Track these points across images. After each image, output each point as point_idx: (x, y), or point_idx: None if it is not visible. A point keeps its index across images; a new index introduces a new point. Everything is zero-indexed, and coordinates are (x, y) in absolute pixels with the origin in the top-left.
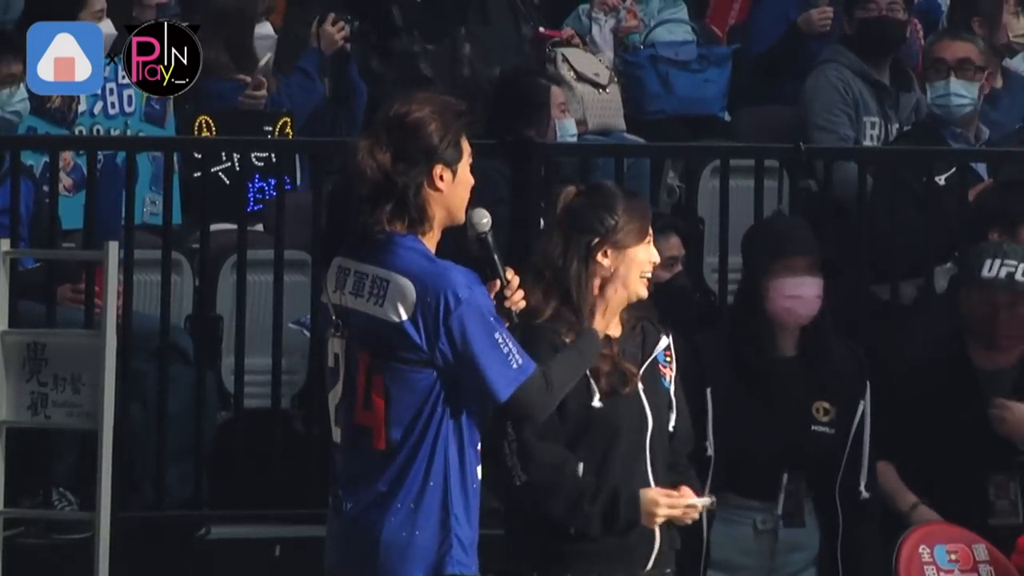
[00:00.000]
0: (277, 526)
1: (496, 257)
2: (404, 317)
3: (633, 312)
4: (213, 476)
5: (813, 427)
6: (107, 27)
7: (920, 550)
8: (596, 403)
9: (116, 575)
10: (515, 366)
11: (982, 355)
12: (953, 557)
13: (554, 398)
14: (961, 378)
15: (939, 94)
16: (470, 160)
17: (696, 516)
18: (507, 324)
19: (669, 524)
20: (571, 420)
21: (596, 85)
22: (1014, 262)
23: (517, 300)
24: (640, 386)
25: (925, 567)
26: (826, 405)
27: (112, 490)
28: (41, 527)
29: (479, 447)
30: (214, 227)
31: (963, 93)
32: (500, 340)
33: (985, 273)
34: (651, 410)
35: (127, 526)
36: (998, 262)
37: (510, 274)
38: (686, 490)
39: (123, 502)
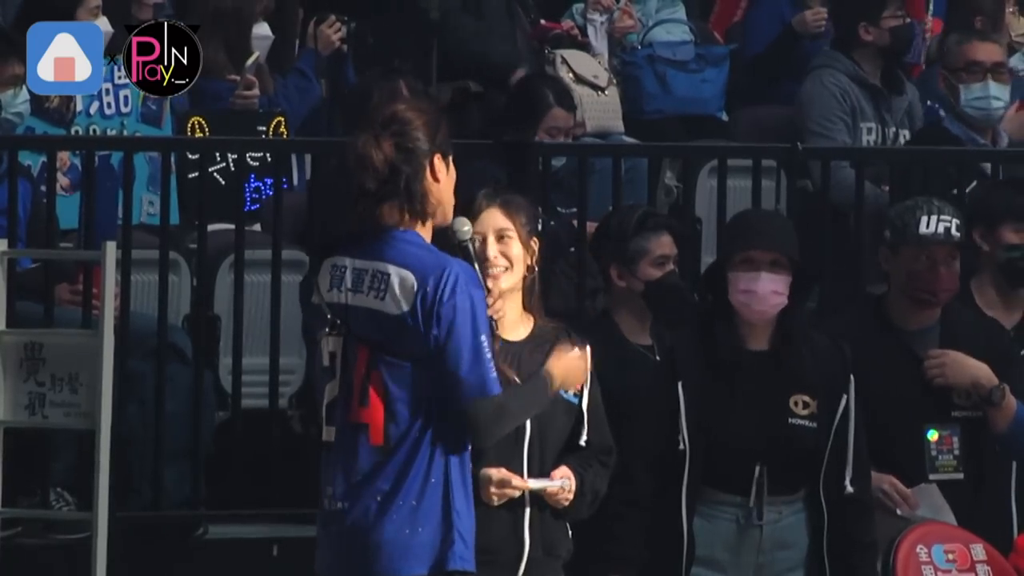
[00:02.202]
0: (275, 526)
1: (476, 266)
2: (405, 309)
3: (552, 321)
4: (211, 476)
5: (791, 420)
6: (103, 24)
7: (917, 550)
8: None
9: (114, 575)
10: (491, 376)
11: (903, 318)
12: (951, 557)
13: (501, 430)
14: (888, 342)
15: (976, 96)
16: (452, 158)
17: (562, 500)
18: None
19: (547, 529)
20: None
21: (595, 87)
22: (948, 217)
23: (497, 308)
24: None
25: (923, 567)
26: (805, 399)
27: (110, 490)
28: (39, 527)
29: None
30: (211, 227)
31: (1000, 96)
32: (485, 345)
33: (923, 229)
34: (531, 418)
35: (125, 526)
36: (935, 218)
37: (491, 283)
38: (560, 470)
39: (121, 502)
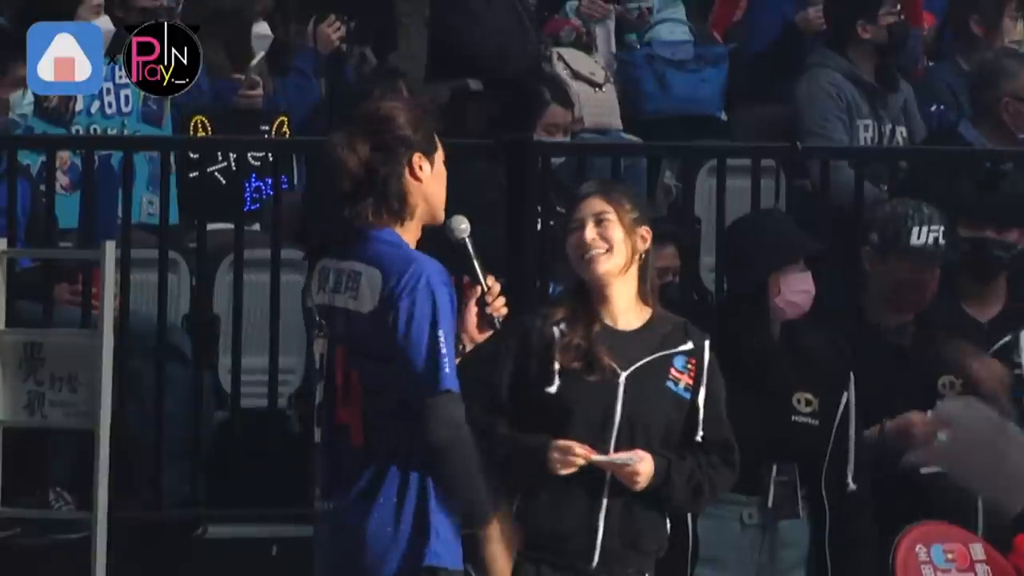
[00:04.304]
0: (274, 525)
1: (476, 263)
2: (373, 307)
3: (673, 315)
4: (210, 476)
5: (795, 418)
6: (105, 23)
7: (917, 549)
8: (551, 389)
9: (113, 575)
10: (444, 372)
11: (881, 314)
12: (950, 556)
13: (452, 438)
14: (868, 336)
15: None
16: (443, 157)
17: (627, 475)
18: (490, 332)
19: (632, 521)
20: (525, 401)
21: (592, 84)
22: (937, 226)
23: (499, 307)
24: (622, 378)
25: (922, 566)
26: (808, 396)
27: (109, 490)
28: (38, 527)
29: None
30: (211, 226)
31: None
32: (441, 340)
33: (915, 241)
34: (624, 404)
35: (124, 526)
36: (925, 229)
37: (491, 280)
38: (637, 454)
39: (120, 502)
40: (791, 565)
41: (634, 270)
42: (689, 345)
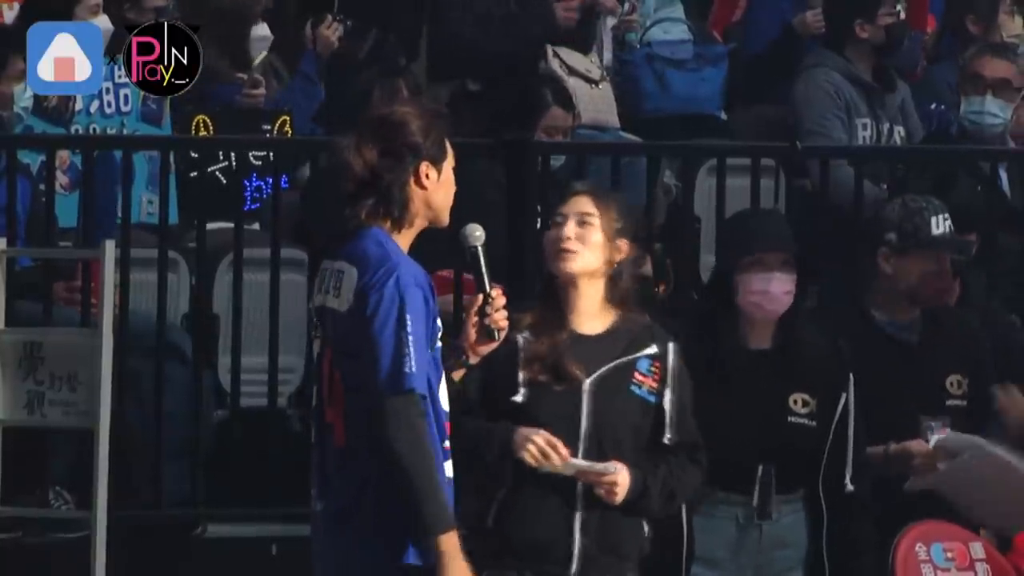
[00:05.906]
0: (273, 525)
1: (485, 273)
2: (349, 305)
3: (639, 318)
4: (210, 475)
5: (791, 419)
6: (103, 23)
7: (917, 548)
8: (516, 398)
9: (112, 574)
10: (405, 371)
11: (891, 312)
12: (950, 555)
13: (416, 442)
14: (877, 336)
15: (974, 109)
16: (453, 163)
17: (605, 483)
18: (490, 343)
19: (610, 526)
20: (492, 409)
21: (588, 80)
22: (947, 216)
23: (499, 319)
24: (586, 384)
25: (922, 565)
26: (805, 397)
27: (108, 489)
28: (38, 526)
29: (447, 443)
30: (211, 226)
31: (997, 113)
32: (406, 339)
33: (935, 231)
34: (589, 410)
35: (123, 525)
36: (941, 218)
37: (496, 292)
38: (615, 464)
39: (119, 501)
40: (789, 566)
41: (603, 276)
42: (653, 348)
